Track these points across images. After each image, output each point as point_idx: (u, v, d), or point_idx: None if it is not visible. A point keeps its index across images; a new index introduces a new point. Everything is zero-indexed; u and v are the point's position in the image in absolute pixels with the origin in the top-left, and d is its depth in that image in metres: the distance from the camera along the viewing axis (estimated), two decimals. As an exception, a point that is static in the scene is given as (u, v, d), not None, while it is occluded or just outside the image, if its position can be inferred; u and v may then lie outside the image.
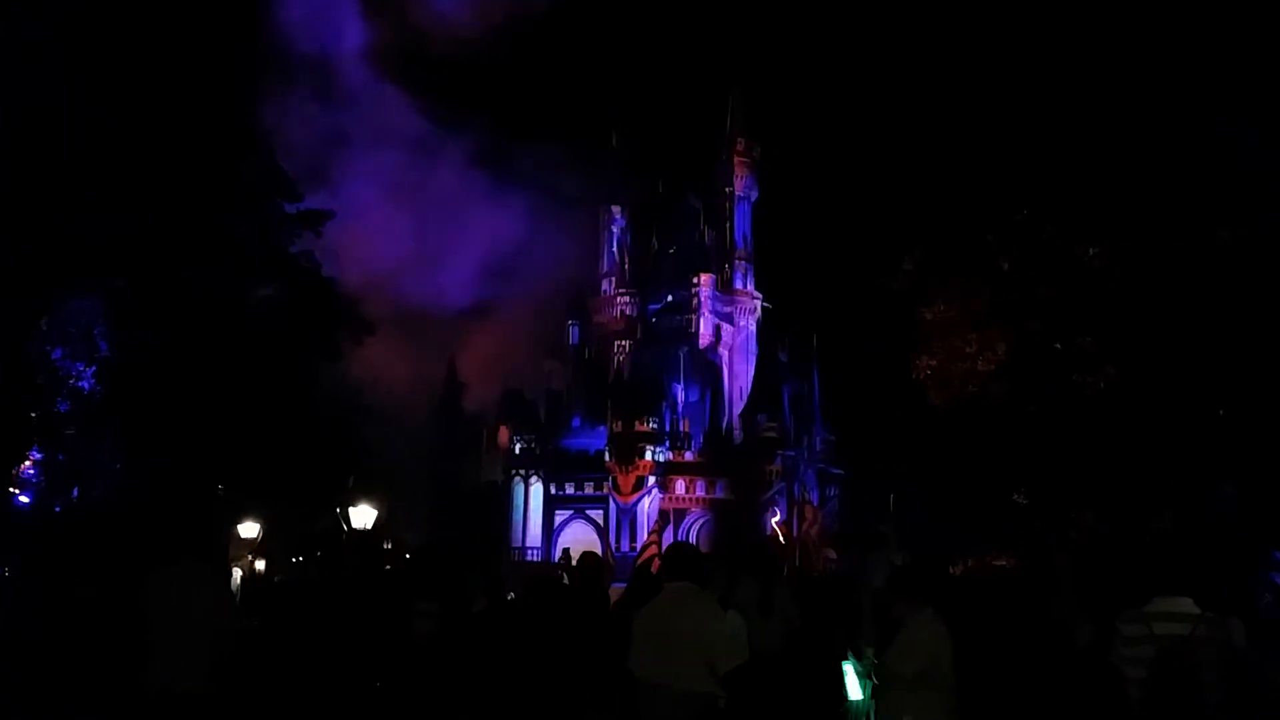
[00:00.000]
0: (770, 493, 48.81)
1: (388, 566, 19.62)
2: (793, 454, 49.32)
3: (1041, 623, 7.60)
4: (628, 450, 49.74)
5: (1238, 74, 16.51)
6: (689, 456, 51.50)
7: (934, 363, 20.18)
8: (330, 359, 27.13)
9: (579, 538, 45.61)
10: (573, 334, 57.89)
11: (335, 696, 8.32)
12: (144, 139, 20.46)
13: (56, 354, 20.90)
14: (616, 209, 58.51)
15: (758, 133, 57.69)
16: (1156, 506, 17.46)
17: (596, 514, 50.78)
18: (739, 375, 54.92)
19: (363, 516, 24.18)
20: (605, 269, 58.51)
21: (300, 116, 45.33)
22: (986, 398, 19.57)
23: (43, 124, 18.50)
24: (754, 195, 57.54)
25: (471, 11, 59.98)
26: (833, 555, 39.01)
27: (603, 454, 50.82)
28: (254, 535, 25.70)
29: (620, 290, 57.34)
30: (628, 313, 56.72)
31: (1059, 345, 18.61)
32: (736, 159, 57.11)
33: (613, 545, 47.43)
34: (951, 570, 15.37)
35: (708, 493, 50.86)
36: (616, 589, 10.00)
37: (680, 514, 49.66)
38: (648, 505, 49.04)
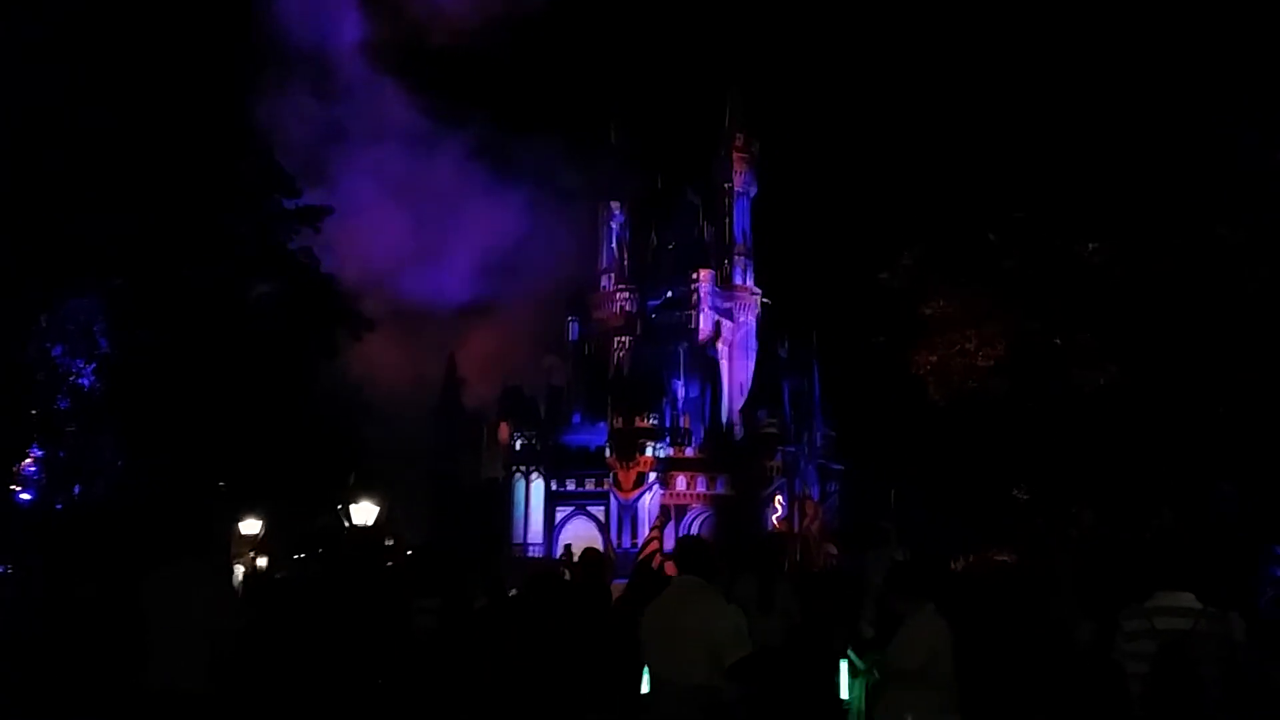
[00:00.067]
0: (771, 488, 48.82)
1: (389, 564, 19.62)
2: (793, 450, 49.35)
3: (1040, 620, 7.60)
4: (628, 446, 49.76)
5: (1238, 74, 16.50)
6: (689, 452, 51.51)
7: (934, 358, 20.19)
8: (329, 356, 27.13)
9: (580, 534, 45.64)
10: (572, 330, 57.89)
11: (337, 694, 8.32)
12: (142, 138, 20.45)
13: (56, 351, 20.89)
14: (616, 205, 58.47)
15: (757, 128, 57.67)
16: (1156, 503, 17.48)
17: (598, 510, 50.82)
18: (739, 371, 54.91)
19: (364, 513, 24.20)
20: (605, 265, 58.49)
21: (298, 112, 45.31)
22: (986, 394, 19.58)
23: (42, 124, 18.49)
24: (753, 191, 57.50)
25: (470, 6, 59.86)
26: (833, 551, 39.04)
27: (603, 450, 50.82)
28: (256, 532, 25.72)
29: (620, 286, 57.31)
30: (627, 309, 56.69)
31: (1059, 341, 18.63)
32: (735, 155, 57.07)
33: (614, 541, 47.45)
34: (953, 566, 15.39)
35: (709, 489, 50.90)
36: (619, 585, 10.01)
37: (681, 510, 49.69)
38: (649, 501, 49.05)
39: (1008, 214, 19.28)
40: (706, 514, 49.89)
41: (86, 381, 21.18)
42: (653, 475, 49.82)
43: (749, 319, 56.35)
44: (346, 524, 24.18)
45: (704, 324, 55.01)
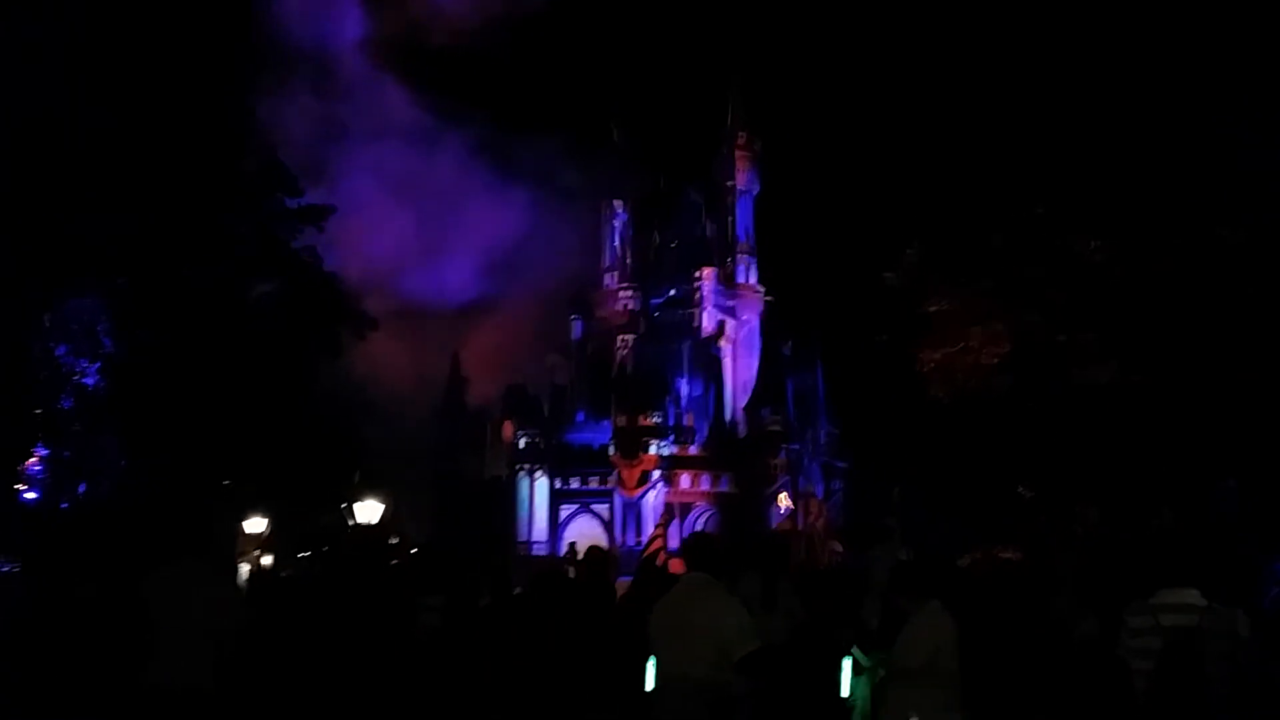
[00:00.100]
0: (775, 486, 48.75)
1: (393, 562, 19.65)
2: (796, 447, 49.26)
3: (1042, 617, 7.60)
4: (632, 445, 49.71)
5: (1238, 74, 16.48)
6: (693, 450, 51.47)
7: (937, 356, 20.19)
8: (333, 355, 27.15)
9: (584, 532, 45.62)
10: (576, 329, 57.81)
11: (340, 692, 8.33)
12: (143, 138, 20.47)
13: (60, 350, 20.94)
14: (618, 204, 58.38)
15: (759, 126, 57.58)
16: (1160, 501, 17.48)
17: (602, 508, 50.77)
18: (742, 369, 54.86)
19: (368, 512, 24.22)
20: (607, 263, 58.39)
21: (299, 110, 45.26)
22: (989, 392, 19.58)
23: (42, 124, 18.51)
24: (756, 189, 57.43)
25: (471, 4, 59.75)
26: (838, 549, 39.01)
27: (607, 448, 50.77)
28: (261, 531, 25.76)
29: (623, 285, 57.22)
30: (630, 307, 56.61)
31: (1062, 339, 18.63)
32: (738, 153, 56.97)
33: (618, 539, 47.44)
34: (958, 563, 15.38)
35: (713, 486, 50.85)
36: (623, 583, 10.02)
37: (685, 508, 49.66)
38: (653, 499, 49.05)
39: (1010, 212, 19.28)
40: (710, 512, 49.83)
41: (90, 381, 21.22)
42: (656, 473, 49.78)
43: (752, 317, 56.27)
44: (351, 523, 24.20)
45: (707, 322, 54.92)
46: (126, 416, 21.34)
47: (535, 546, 49.40)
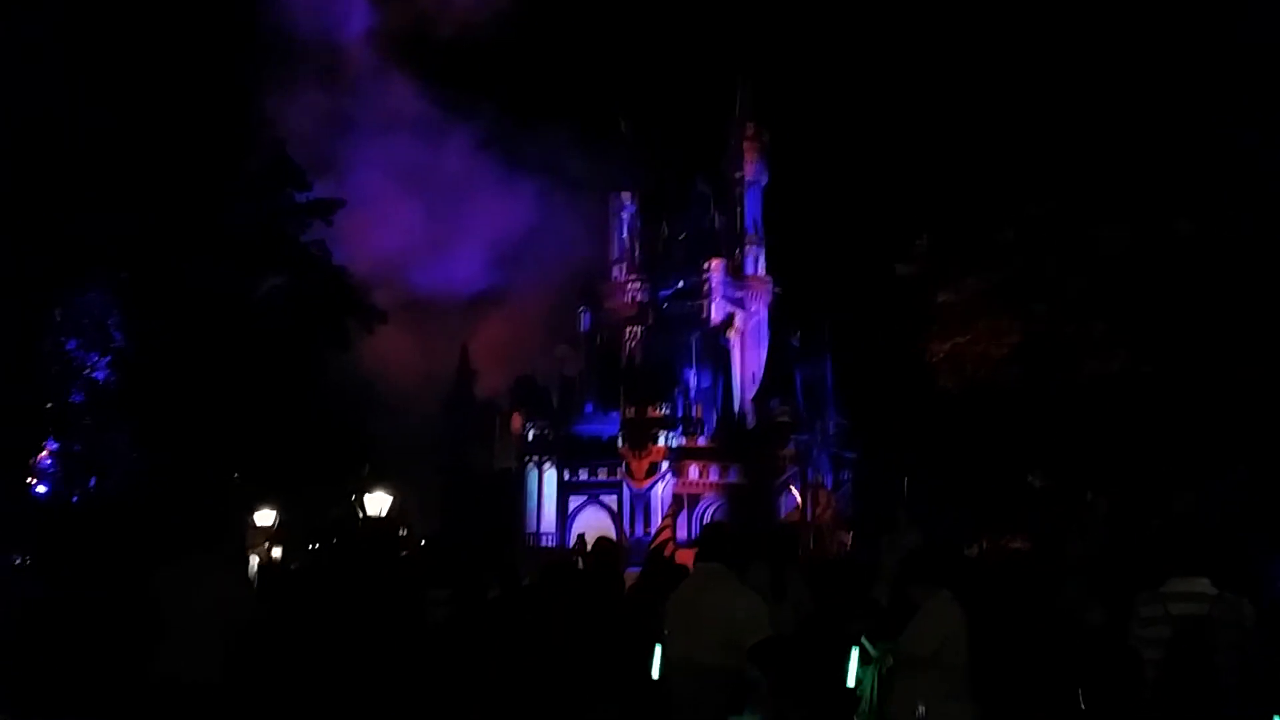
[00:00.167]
0: (784, 477, 48.74)
1: (402, 554, 19.70)
2: (805, 438, 49.21)
3: (1052, 606, 7.59)
4: (640, 436, 49.71)
5: (1246, 65, 16.42)
6: (702, 441, 51.45)
7: (946, 347, 20.16)
8: (341, 348, 27.20)
9: (593, 524, 45.66)
10: (584, 320, 57.82)
11: (349, 684, 8.35)
12: (149, 134, 20.50)
13: (70, 345, 21.01)
14: (626, 195, 58.32)
15: (767, 117, 57.44)
16: (1170, 489, 17.44)
17: (610, 500, 50.80)
18: (751, 360, 54.82)
19: (377, 504, 24.27)
20: (616, 255, 58.36)
21: (306, 103, 45.22)
22: (999, 382, 19.55)
23: (45, 123, 18.55)
24: (764, 180, 57.31)
25: (477, -5, 59.53)
26: (847, 539, 39.01)
27: (616, 440, 50.78)
28: (271, 523, 25.84)
29: (631, 276, 57.19)
30: (639, 298, 56.58)
31: (1071, 329, 18.58)
32: (746, 143, 56.84)
33: (627, 530, 47.49)
34: (967, 553, 15.36)
35: (721, 477, 50.82)
36: (632, 574, 10.03)
37: (694, 499, 49.66)
38: (661, 490, 49.07)
39: (1021, 204, 19.23)
40: (719, 503, 49.83)
41: (101, 375, 21.30)
42: (665, 464, 49.77)
43: (761, 308, 56.18)
44: (360, 515, 24.26)
45: (716, 313, 54.87)
46: (137, 410, 21.41)
47: (544, 538, 49.48)
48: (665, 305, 56.02)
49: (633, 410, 50.19)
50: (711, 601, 6.25)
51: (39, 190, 18.89)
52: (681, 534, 33.60)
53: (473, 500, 48.17)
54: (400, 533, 26.70)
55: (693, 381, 53.39)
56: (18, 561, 17.42)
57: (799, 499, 45.18)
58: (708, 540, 6.75)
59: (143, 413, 21.38)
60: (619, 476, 50.35)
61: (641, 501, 49.09)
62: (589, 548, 9.77)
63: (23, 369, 19.62)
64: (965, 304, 19.78)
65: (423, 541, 19.98)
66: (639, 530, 46.93)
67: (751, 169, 56.87)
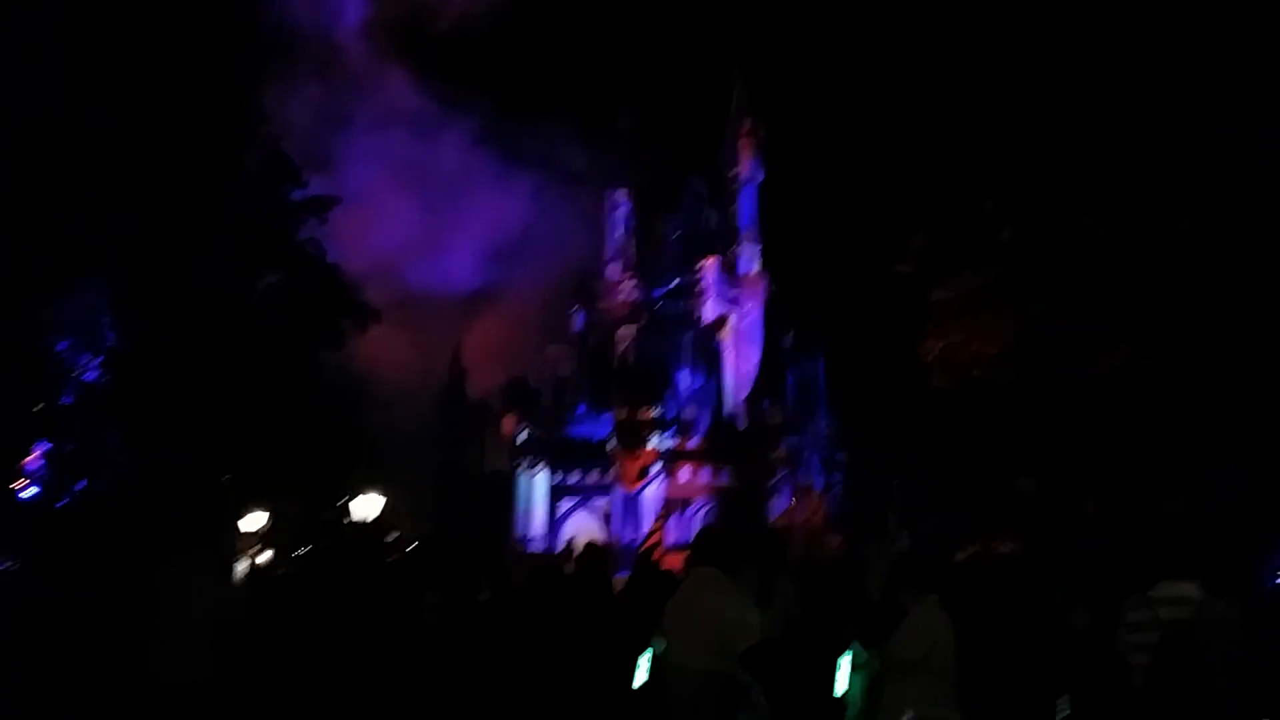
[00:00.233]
0: (774, 479, 48.68)
1: (392, 557, 19.68)
2: (797, 440, 49.18)
3: (1041, 611, 7.60)
4: (632, 438, 49.61)
5: (1244, 63, 16.45)
6: (693, 443, 51.36)
7: (940, 345, 20.18)
8: (335, 347, 27.10)
9: (583, 527, 45.61)
10: (578, 320, 57.69)
11: (339, 687, 8.34)
12: (146, 131, 20.44)
13: (62, 345, 20.92)
14: (622, 193, 58.18)
15: (763, 114, 57.41)
16: (1161, 492, 17.47)
17: (601, 503, 50.71)
18: (744, 360, 54.73)
19: (368, 506, 24.22)
20: (610, 254, 58.22)
21: (300, 98, 45.06)
22: (993, 381, 19.57)
23: (42, 123, 18.49)
24: (759, 178, 57.26)
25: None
26: (837, 542, 38.99)
27: (607, 442, 50.68)
28: (261, 526, 25.76)
29: (626, 275, 57.10)
30: (633, 298, 56.48)
31: (1066, 329, 18.61)
32: (741, 141, 56.80)
33: (617, 534, 47.41)
34: (956, 557, 15.39)
35: (713, 479, 50.74)
36: (621, 578, 10.02)
37: (685, 502, 49.57)
38: (652, 493, 48.97)
39: (1017, 202, 19.26)
40: (710, 505, 49.75)
41: (92, 375, 21.22)
42: (656, 467, 49.69)
43: (755, 307, 56.06)
44: (350, 518, 24.22)
45: (709, 313, 54.78)
46: (128, 412, 21.34)
47: (533, 542, 49.28)
48: (659, 304, 55.94)
49: (625, 412, 50.08)
50: (705, 605, 6.30)
51: (33, 190, 18.84)
52: (672, 537, 33.50)
53: (464, 503, 48.05)
54: (390, 536, 26.68)
55: (685, 382, 53.29)
56: (5, 566, 17.35)
57: (789, 501, 45.15)
58: (703, 544, 6.78)
59: (134, 414, 21.31)
60: (610, 479, 50.24)
61: (632, 505, 48.98)
62: (578, 553, 9.76)
63: (13, 370, 19.55)
64: (959, 302, 19.81)
65: (413, 545, 19.99)
66: (629, 534, 46.81)
67: (747, 166, 56.81)
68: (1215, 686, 6.08)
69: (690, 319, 54.73)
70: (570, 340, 57.30)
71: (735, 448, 50.37)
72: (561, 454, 51.63)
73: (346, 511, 24.51)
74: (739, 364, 54.42)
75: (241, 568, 21.06)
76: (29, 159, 18.30)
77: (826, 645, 6.80)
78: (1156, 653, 6.17)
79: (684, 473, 50.21)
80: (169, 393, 21.28)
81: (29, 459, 20.13)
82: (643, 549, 18.18)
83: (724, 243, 56.37)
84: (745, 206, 56.90)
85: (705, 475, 50.41)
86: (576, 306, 57.62)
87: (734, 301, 55.42)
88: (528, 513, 51.07)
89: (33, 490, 20.36)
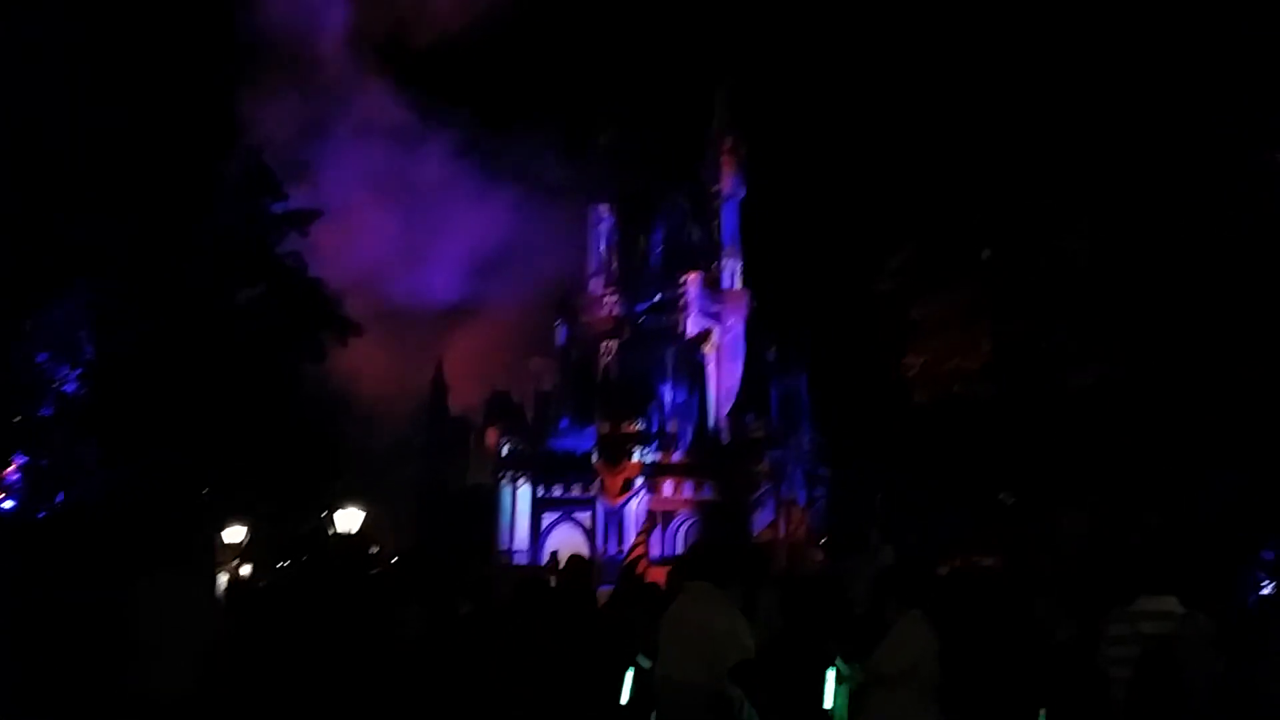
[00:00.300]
0: (758, 494, 48.68)
1: (374, 570, 19.57)
2: (780, 454, 49.21)
3: (1024, 623, 7.62)
4: (615, 451, 49.51)
5: (1227, 78, 16.62)
6: (677, 457, 51.34)
7: (919, 361, 20.28)
8: (315, 360, 27.00)
9: (566, 540, 45.42)
10: (560, 334, 57.66)
11: (320, 702, 8.28)
12: (128, 142, 20.36)
13: (41, 357, 20.79)
14: (604, 208, 58.22)
15: (745, 129, 57.59)
16: (1141, 506, 17.55)
17: (584, 516, 50.56)
18: (727, 375, 54.73)
19: (348, 520, 24.09)
20: (593, 268, 58.21)
21: (281, 110, 44.98)
22: (973, 396, 19.66)
23: (26, 129, 18.40)
24: (741, 193, 57.44)
25: (455, 2, 59.37)
26: (820, 557, 38.99)
27: (590, 455, 50.61)
28: (240, 540, 25.58)
29: (608, 289, 57.11)
30: (615, 312, 56.45)
31: (1044, 344, 18.72)
32: (724, 157, 56.94)
33: (600, 548, 47.28)
34: (939, 571, 15.38)
35: (696, 493, 50.67)
36: (605, 592, 10.00)
37: (668, 516, 49.50)
38: (635, 507, 48.89)
39: (996, 222, 19.39)
40: (693, 520, 49.70)
41: (71, 388, 21.08)
42: (640, 480, 49.61)
43: (737, 322, 56.12)
44: (331, 531, 24.08)
45: (692, 327, 54.81)
46: (106, 424, 21.20)
47: (516, 555, 49.14)
48: (641, 319, 55.97)
49: (608, 426, 50.04)
50: (697, 620, 6.32)
51: (17, 197, 18.74)
52: (655, 551, 33.50)
53: (446, 516, 47.88)
54: (371, 550, 26.53)
55: (668, 396, 53.28)
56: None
57: (772, 515, 45.16)
58: (696, 558, 6.81)
59: (113, 426, 21.16)
60: (593, 493, 50.14)
61: (615, 518, 48.88)
62: (561, 565, 9.74)
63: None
64: (939, 319, 19.92)
65: (395, 558, 19.89)
66: (612, 548, 46.71)
67: (729, 182, 56.93)
68: (1195, 701, 6.10)
69: (673, 333, 54.74)
70: (553, 354, 57.23)
71: (718, 462, 50.33)
72: (544, 468, 51.45)
73: (327, 525, 24.36)
74: (722, 379, 54.44)
75: (221, 581, 20.91)
76: (7, 166, 18.21)
77: (810, 659, 6.80)
78: (1137, 666, 6.19)
79: (667, 487, 50.11)
80: (148, 405, 21.15)
81: (6, 471, 19.97)
82: (627, 562, 18.18)
83: (707, 258, 56.43)
84: (728, 222, 57.01)
85: (688, 489, 50.30)
86: (559, 320, 57.57)
87: (717, 317, 55.47)
88: (511, 526, 50.91)
89: (9, 503, 20.20)
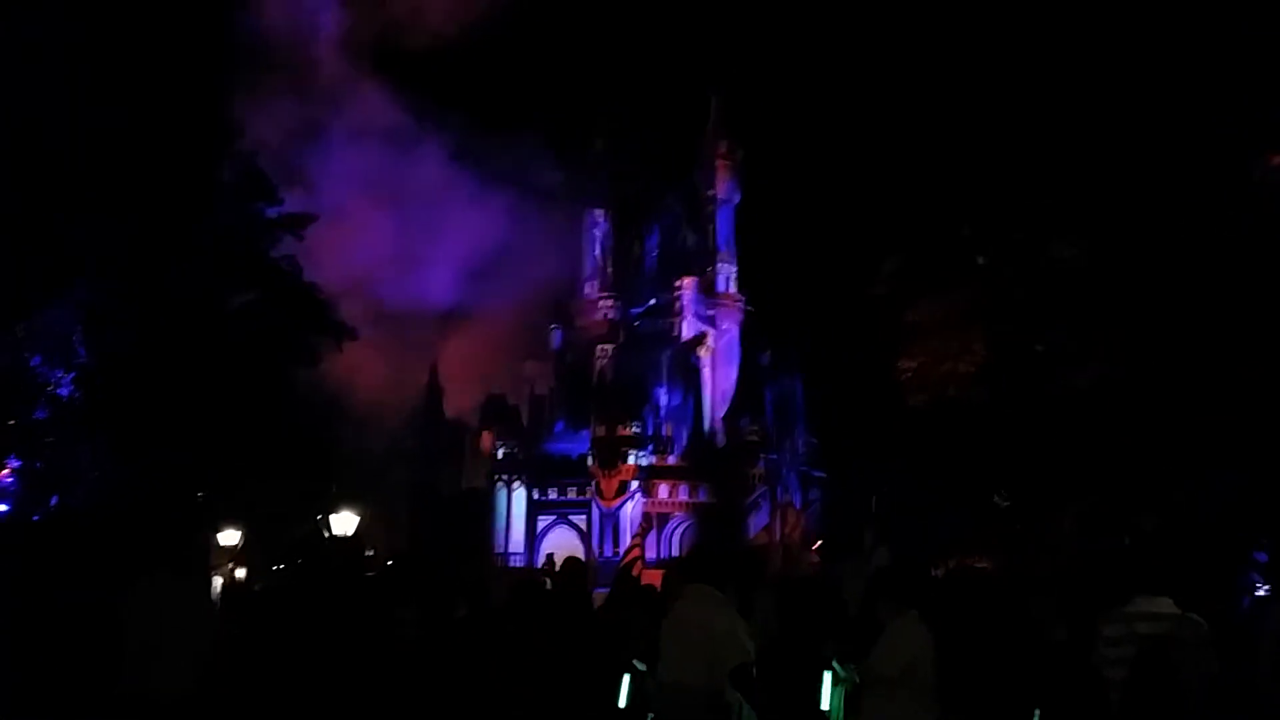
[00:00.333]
0: (753, 496, 48.76)
1: (369, 573, 19.55)
2: (775, 457, 49.28)
3: (1020, 624, 7.64)
4: (610, 455, 49.58)
5: (1219, 81, 16.67)
6: (672, 460, 51.38)
7: (914, 364, 20.31)
8: (310, 364, 26.99)
9: (562, 543, 45.45)
10: (555, 338, 57.69)
11: (316, 705, 8.28)
12: (124, 146, 20.35)
13: (35, 361, 20.76)
14: (599, 212, 58.30)
15: (739, 134, 57.69)
16: (1137, 508, 17.58)
17: (579, 519, 50.60)
18: (721, 378, 54.84)
19: (344, 523, 24.07)
20: (587, 272, 58.30)
21: (275, 114, 44.90)
22: (966, 399, 19.70)
23: (24, 129, 18.39)
24: (736, 198, 57.54)
25: (450, 6, 59.31)
26: (815, 559, 39.03)
27: (585, 459, 50.65)
28: (235, 543, 25.54)
29: (603, 294, 57.16)
30: (610, 316, 56.49)
31: (1039, 347, 18.76)
32: (719, 161, 57.06)
33: (595, 550, 47.30)
34: (933, 572, 15.40)
35: (691, 496, 50.74)
36: (601, 594, 10.00)
37: (664, 518, 49.55)
38: (631, 510, 48.94)
39: (990, 226, 19.43)
40: (689, 522, 49.75)
41: (65, 391, 21.05)
42: (635, 483, 49.65)
43: (732, 326, 56.26)
44: (326, 534, 24.06)
45: (687, 331, 54.91)
46: (101, 427, 21.17)
47: (513, 558, 49.19)
48: (636, 323, 56.04)
49: (603, 429, 50.09)
50: (698, 622, 6.39)
51: (12, 200, 18.72)
52: (651, 554, 33.51)
53: (441, 519, 47.87)
54: (367, 552, 26.51)
55: (663, 400, 53.34)
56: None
57: (768, 518, 45.21)
58: (696, 561, 6.87)
59: (107, 430, 21.14)
60: (588, 496, 50.18)
61: (610, 521, 48.94)
62: (557, 567, 9.75)
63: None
64: (933, 323, 19.96)
65: (389, 561, 19.87)
66: (608, 550, 46.75)
67: (724, 186, 57.08)
68: (1190, 702, 6.12)
69: (668, 337, 54.81)
70: (548, 358, 57.25)
71: (713, 465, 50.41)
72: (540, 471, 51.52)
73: (323, 528, 24.34)
74: (717, 382, 54.52)
75: (216, 584, 20.89)
76: (11, 166, 18.20)
77: (806, 661, 6.82)
78: (1132, 667, 6.20)
79: (662, 489, 50.19)
80: (142, 408, 21.12)
81: (1, 475, 19.95)
82: (622, 564, 18.16)
83: (701, 262, 56.52)
84: (722, 227, 57.12)
85: (684, 492, 50.39)
86: (554, 324, 57.61)
87: (711, 320, 55.56)
88: (506, 529, 50.94)
89: (3, 507, 20.17)
